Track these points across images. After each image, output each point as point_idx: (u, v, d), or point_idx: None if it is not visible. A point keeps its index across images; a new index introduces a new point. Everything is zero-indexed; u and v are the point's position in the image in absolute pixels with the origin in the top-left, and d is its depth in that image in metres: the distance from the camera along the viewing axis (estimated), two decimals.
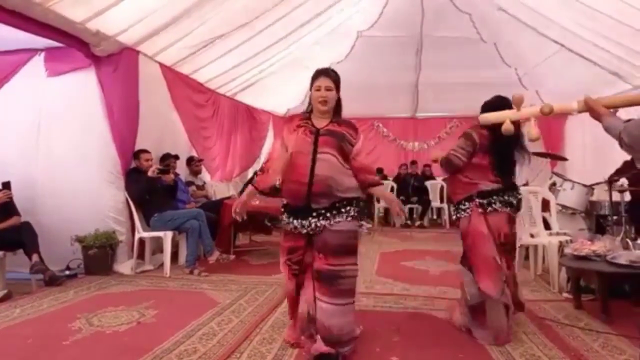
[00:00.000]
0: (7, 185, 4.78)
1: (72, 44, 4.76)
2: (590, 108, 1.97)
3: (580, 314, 3.67)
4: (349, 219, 2.74)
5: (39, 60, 5.42)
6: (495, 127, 2.77)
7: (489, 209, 3.14)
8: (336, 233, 2.72)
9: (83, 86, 5.31)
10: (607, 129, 1.94)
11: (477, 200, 3.18)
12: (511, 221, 3.22)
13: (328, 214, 2.71)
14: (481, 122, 2.75)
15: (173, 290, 4.58)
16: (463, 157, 3.22)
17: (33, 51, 5.40)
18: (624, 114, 2.00)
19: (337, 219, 2.71)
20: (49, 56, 5.39)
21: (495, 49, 8.13)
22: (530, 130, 2.12)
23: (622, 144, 1.87)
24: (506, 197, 3.17)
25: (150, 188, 5.35)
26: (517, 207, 3.26)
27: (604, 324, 3.40)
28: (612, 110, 1.95)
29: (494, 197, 3.16)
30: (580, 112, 2.04)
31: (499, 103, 3.01)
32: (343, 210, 2.73)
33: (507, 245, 3.19)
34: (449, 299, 4.14)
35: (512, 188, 3.25)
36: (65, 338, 3.19)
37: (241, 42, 6.39)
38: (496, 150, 3.17)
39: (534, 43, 7.16)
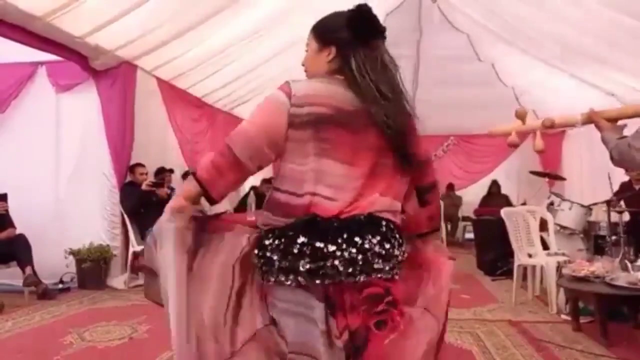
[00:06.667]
0: (3, 198, 4.74)
1: (71, 58, 4.78)
2: (593, 121, 1.98)
3: (579, 337, 3.62)
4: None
5: (42, 75, 5.44)
6: None
7: None
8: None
9: (82, 100, 5.33)
10: (604, 142, 1.98)
11: None
12: None
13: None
14: (490, 134, 2.81)
15: None
16: None
17: (33, 65, 5.41)
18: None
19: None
20: (52, 70, 5.40)
21: (493, 68, 8.18)
22: (536, 141, 2.21)
23: (613, 160, 1.95)
24: None
25: (145, 202, 5.31)
26: None
27: (603, 347, 3.35)
28: (620, 121, 1.97)
29: None
30: (584, 124, 2.06)
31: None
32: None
33: None
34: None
35: None
36: (56, 352, 3.14)
37: (239, 57, 6.37)
38: None
39: (531, 63, 7.21)
